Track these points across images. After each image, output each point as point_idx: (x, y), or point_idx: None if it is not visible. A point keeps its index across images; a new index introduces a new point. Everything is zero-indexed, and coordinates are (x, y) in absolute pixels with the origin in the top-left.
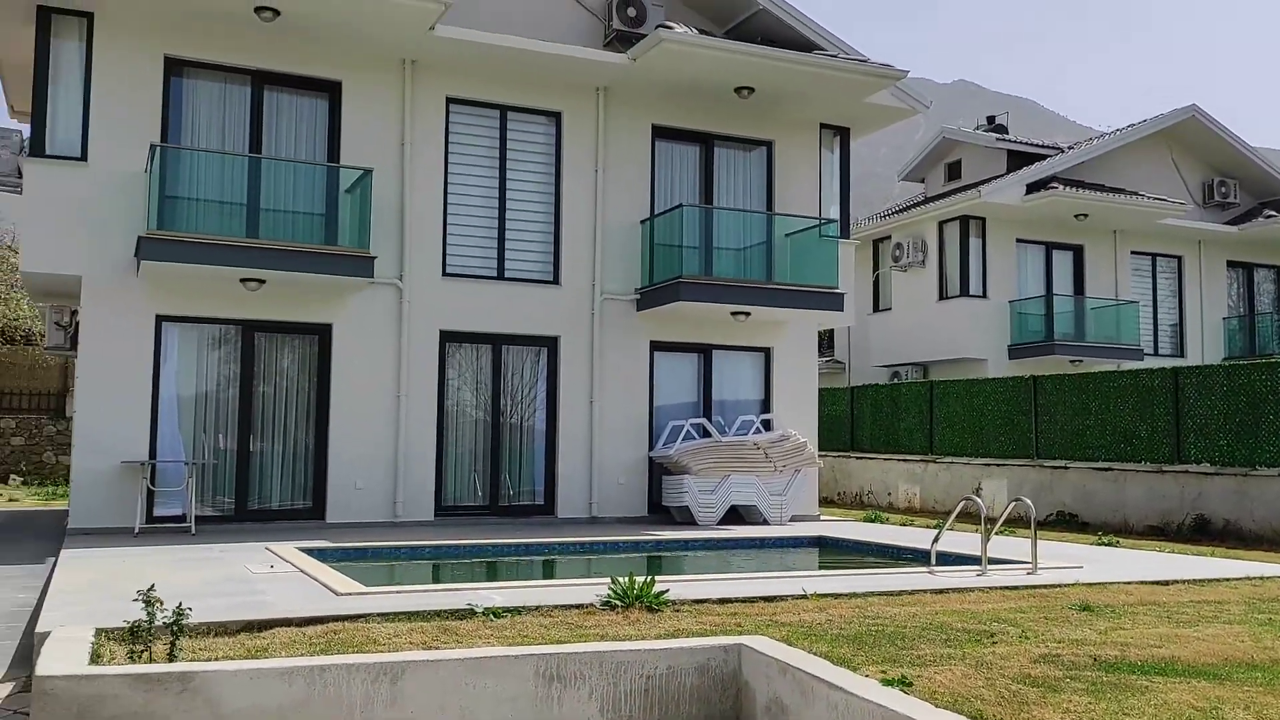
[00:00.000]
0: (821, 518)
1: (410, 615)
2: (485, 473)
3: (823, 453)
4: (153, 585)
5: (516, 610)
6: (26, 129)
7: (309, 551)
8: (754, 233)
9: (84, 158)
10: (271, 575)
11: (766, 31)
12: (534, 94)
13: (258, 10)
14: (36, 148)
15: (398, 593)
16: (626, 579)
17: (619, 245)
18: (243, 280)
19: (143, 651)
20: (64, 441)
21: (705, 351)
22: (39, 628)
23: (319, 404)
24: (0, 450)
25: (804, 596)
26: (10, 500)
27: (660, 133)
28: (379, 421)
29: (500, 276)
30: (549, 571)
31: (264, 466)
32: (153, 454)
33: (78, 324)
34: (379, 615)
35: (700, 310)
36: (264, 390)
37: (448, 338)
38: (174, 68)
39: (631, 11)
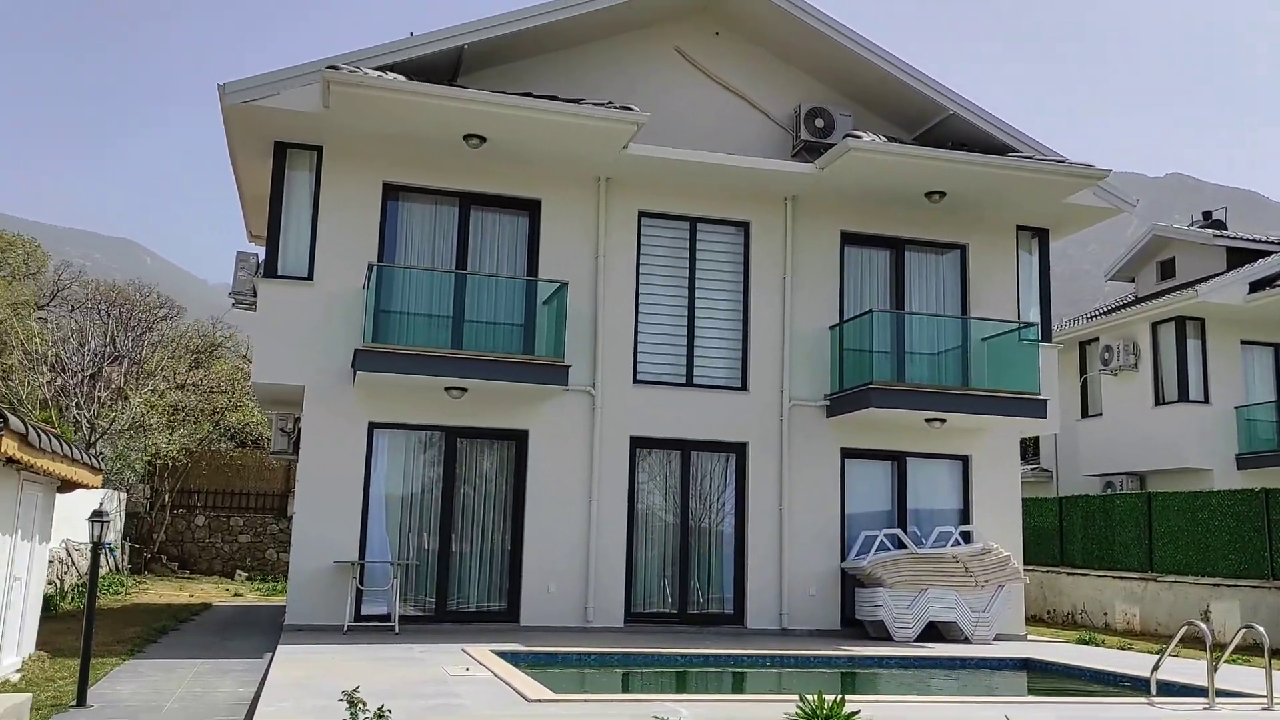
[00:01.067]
0: (1029, 637)
1: None
2: (675, 579)
3: (1029, 567)
4: (357, 686)
5: None
6: (261, 252)
7: (503, 655)
8: (948, 337)
9: (310, 277)
10: (467, 678)
11: (957, 135)
12: (723, 205)
13: (466, 138)
14: (270, 269)
15: (585, 700)
16: (815, 697)
17: (807, 351)
18: (447, 389)
19: None
20: (285, 540)
21: (899, 459)
22: None
23: (515, 508)
24: (229, 546)
25: None
26: (235, 595)
27: (849, 239)
28: (571, 526)
29: (689, 383)
30: (737, 685)
31: (463, 568)
32: (362, 554)
33: (299, 430)
34: None
35: (892, 417)
36: (464, 494)
37: (638, 443)
38: (390, 192)
39: (819, 122)
